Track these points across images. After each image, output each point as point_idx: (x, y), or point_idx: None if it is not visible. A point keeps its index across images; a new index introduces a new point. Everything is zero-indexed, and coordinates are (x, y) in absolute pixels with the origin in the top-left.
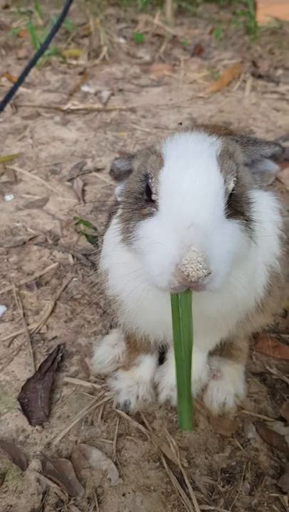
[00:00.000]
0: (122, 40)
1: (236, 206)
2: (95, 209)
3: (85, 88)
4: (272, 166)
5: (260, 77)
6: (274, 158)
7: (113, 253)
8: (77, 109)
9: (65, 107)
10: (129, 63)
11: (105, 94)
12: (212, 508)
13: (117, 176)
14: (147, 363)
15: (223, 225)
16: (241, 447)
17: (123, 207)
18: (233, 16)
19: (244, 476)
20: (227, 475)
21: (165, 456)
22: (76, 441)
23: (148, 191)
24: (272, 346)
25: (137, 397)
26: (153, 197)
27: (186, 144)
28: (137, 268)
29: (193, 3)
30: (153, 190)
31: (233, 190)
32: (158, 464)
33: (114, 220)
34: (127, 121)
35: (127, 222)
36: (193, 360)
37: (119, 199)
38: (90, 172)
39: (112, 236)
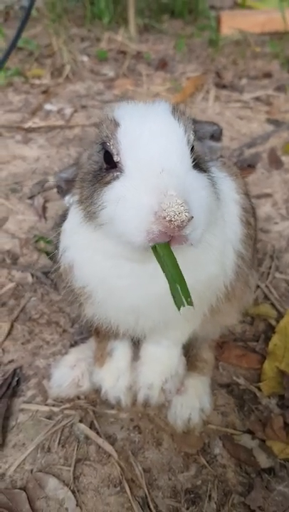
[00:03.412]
0: (85, 58)
1: (199, 163)
2: (57, 225)
3: (48, 106)
4: (215, 144)
5: (224, 87)
6: (213, 137)
7: (76, 239)
8: (39, 127)
9: (26, 126)
10: (93, 80)
11: (68, 111)
12: None
13: (66, 190)
14: (120, 349)
15: (193, 173)
16: (207, 464)
17: (80, 189)
18: (198, 31)
19: (210, 495)
20: (192, 496)
21: (127, 480)
22: (32, 470)
23: (107, 158)
24: (239, 355)
25: (124, 391)
26: (115, 158)
27: (137, 105)
28: (105, 244)
29: (159, 21)
30: (114, 151)
31: (194, 142)
32: (118, 488)
33: (73, 208)
34: (90, 136)
35: (89, 198)
36: (168, 356)
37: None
38: (52, 189)
39: (72, 221)
